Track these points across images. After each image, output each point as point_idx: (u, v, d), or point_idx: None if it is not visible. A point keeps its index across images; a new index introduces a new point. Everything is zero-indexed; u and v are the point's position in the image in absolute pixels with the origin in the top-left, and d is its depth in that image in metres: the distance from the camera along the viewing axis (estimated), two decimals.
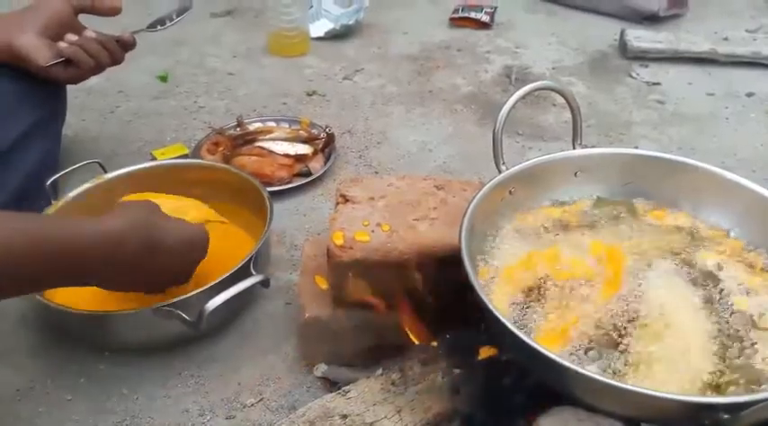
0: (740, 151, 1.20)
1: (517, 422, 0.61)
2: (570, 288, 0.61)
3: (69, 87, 1.03)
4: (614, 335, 0.57)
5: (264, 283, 0.79)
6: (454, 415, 0.64)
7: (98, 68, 0.96)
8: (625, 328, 0.57)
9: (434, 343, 0.70)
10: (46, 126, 0.98)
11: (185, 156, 1.14)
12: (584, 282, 0.62)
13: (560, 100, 0.73)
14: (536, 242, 0.67)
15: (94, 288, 0.85)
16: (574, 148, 0.73)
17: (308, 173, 1.11)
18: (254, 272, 0.80)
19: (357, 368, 0.78)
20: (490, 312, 0.53)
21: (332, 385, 0.78)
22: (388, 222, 0.72)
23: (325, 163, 1.13)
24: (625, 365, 0.54)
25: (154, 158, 1.12)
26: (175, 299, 0.75)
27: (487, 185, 0.66)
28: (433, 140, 1.23)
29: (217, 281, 0.77)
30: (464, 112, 1.32)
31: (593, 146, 1.19)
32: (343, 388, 0.69)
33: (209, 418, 0.76)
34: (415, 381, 0.67)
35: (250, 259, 0.80)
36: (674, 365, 0.54)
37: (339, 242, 0.70)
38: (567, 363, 0.49)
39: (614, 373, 0.54)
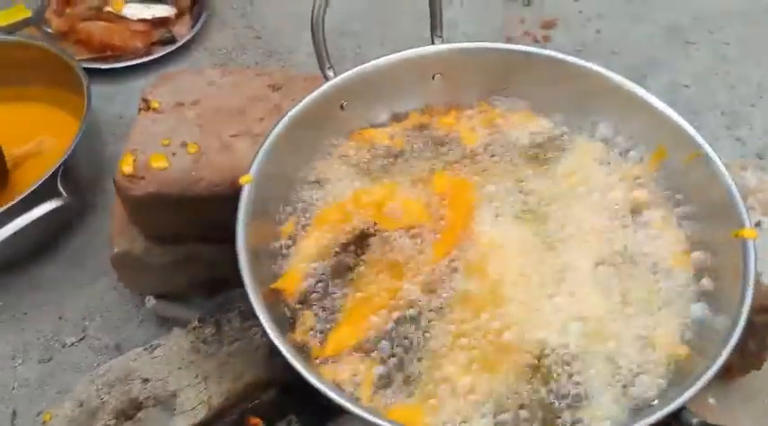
0: None
1: None
2: (395, 244, 0.47)
3: None
4: (425, 318, 0.44)
5: (68, 206, 0.65)
6: (270, 385, 0.54)
7: None
8: (441, 308, 0.44)
9: None
10: None
11: (27, 20, 0.94)
12: (416, 234, 0.47)
13: None
14: (367, 174, 0.51)
15: None
16: (433, 43, 0.54)
17: (172, 40, 0.92)
18: (61, 191, 0.65)
19: (192, 301, 0.67)
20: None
21: (164, 320, 0.67)
22: (196, 140, 0.57)
23: (193, 26, 0.93)
24: (420, 360, 0.42)
25: None
26: None
27: (303, 101, 0.50)
28: None
29: (6, 207, 0.63)
30: None
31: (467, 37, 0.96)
32: (152, 343, 0.57)
33: (20, 362, 0.66)
34: (231, 339, 0.56)
35: (55, 172, 0.65)
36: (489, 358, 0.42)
37: (128, 169, 0.55)
38: (339, 399, 0.37)
39: (410, 377, 0.42)
